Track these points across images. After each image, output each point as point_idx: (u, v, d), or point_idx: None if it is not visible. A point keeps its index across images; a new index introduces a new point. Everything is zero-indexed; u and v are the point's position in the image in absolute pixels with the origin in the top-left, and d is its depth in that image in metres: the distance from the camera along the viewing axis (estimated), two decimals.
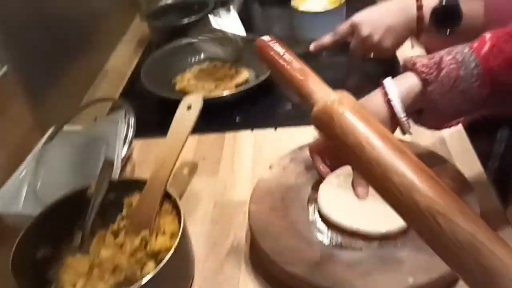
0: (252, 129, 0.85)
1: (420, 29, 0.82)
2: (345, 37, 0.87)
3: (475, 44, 0.55)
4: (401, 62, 0.94)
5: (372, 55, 0.89)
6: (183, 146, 0.63)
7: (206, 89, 0.95)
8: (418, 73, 0.55)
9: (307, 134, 0.76)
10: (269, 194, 0.65)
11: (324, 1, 1.03)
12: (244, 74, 0.99)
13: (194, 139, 0.83)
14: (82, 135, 0.77)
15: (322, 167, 0.56)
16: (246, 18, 1.28)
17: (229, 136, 0.84)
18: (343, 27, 0.86)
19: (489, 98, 0.54)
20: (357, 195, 0.54)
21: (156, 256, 0.57)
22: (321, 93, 0.41)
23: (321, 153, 0.57)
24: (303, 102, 0.43)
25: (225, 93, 0.89)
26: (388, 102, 0.55)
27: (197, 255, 0.62)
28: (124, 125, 0.72)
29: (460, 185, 0.61)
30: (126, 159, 0.80)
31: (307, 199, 0.65)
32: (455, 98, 0.54)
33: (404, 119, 0.55)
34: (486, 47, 0.54)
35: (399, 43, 0.85)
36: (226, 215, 0.68)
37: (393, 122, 0.56)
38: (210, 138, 0.84)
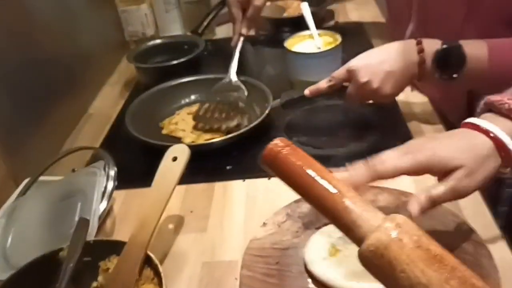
0: (244, 179, 0.78)
1: (422, 73, 0.77)
2: (342, 82, 0.82)
3: None
4: (401, 108, 0.90)
5: (370, 101, 0.84)
6: (166, 204, 0.57)
7: (195, 134, 0.90)
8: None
9: None
10: (263, 258, 0.58)
11: (319, 42, 0.99)
12: (236, 119, 0.93)
13: (181, 190, 0.77)
14: (58, 188, 0.70)
15: None
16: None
17: (219, 186, 0.78)
18: (340, 72, 0.81)
19: None
20: None
21: None
22: (370, 221, 0.37)
23: None
24: (344, 232, 0.38)
25: (215, 139, 0.83)
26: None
27: None
28: (103, 178, 0.66)
29: (475, 247, 0.55)
30: (106, 213, 0.73)
31: (304, 263, 0.58)
32: None
33: None
34: None
35: (399, 88, 0.80)
36: (215, 278, 0.61)
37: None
38: (199, 188, 0.78)
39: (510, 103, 0.53)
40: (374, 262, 0.36)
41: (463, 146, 0.52)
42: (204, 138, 0.88)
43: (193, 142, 0.87)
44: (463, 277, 0.34)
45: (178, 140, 0.89)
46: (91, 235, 0.61)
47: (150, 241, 0.55)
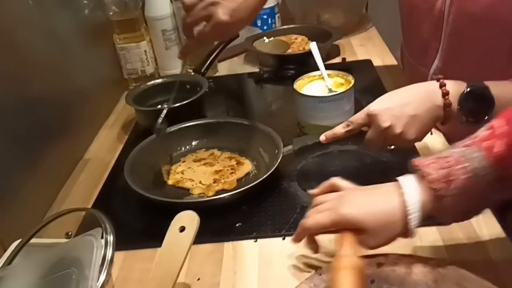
0: (255, 239, 0.71)
1: (448, 117, 0.72)
2: (361, 127, 0.76)
3: (484, 144, 0.52)
4: (419, 151, 0.84)
5: (392, 146, 0.78)
6: (175, 283, 0.50)
7: (204, 184, 0.83)
8: (429, 187, 0.54)
9: (324, 243, 0.63)
10: None
11: (330, 83, 0.93)
12: (247, 166, 0.87)
13: None
14: (50, 257, 0.62)
15: None
16: (240, 99, 1.20)
17: (228, 247, 0.71)
18: (359, 116, 0.75)
19: (501, 194, 0.54)
20: None
21: None
22: None
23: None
24: None
25: (224, 194, 0.76)
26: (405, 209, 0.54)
27: None
28: (101, 247, 0.58)
29: None
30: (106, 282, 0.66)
31: None
32: (467, 203, 0.54)
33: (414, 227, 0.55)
34: (498, 148, 0.51)
35: (423, 133, 0.74)
36: None
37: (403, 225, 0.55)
38: (206, 249, 0.70)
39: (424, 168, 0.54)
40: None
41: (373, 209, 0.56)
42: (215, 189, 0.81)
43: (202, 193, 0.81)
44: None
45: (185, 191, 0.83)
46: None
47: None
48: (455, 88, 0.72)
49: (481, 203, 0.55)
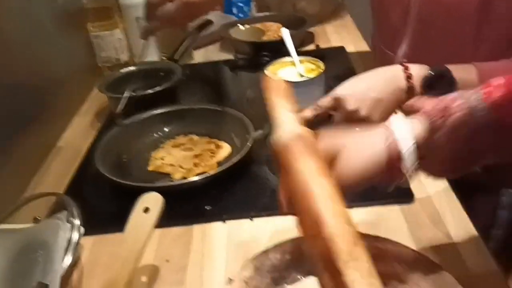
0: (224, 220, 0.72)
1: (411, 98, 0.74)
2: (328, 110, 0.77)
3: (485, 90, 0.49)
4: None
5: (357, 129, 0.79)
6: (137, 263, 0.51)
7: (185, 168, 0.84)
8: (425, 119, 0.50)
9: (289, 226, 0.64)
10: None
11: (301, 69, 0.94)
12: (226, 149, 0.88)
13: (155, 235, 0.69)
14: (18, 240, 0.63)
15: None
16: (216, 86, 1.20)
17: (197, 229, 0.72)
18: (326, 100, 0.77)
19: (496, 149, 0.50)
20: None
21: None
22: None
23: None
24: None
25: (194, 178, 0.77)
26: (393, 147, 0.49)
27: None
28: (67, 230, 0.59)
29: None
30: (73, 264, 0.66)
31: None
32: (460, 146, 0.49)
33: (407, 167, 0.49)
34: (497, 94, 0.48)
35: (388, 115, 0.75)
36: None
37: (390, 170, 0.49)
38: (175, 232, 0.71)
39: (421, 104, 0.51)
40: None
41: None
42: (196, 172, 0.82)
43: (184, 177, 0.81)
44: None
45: (166, 176, 0.83)
46: None
47: None
48: (419, 71, 0.73)
49: (472, 154, 0.50)
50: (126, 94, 0.90)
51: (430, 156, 0.50)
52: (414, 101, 0.53)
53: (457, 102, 0.49)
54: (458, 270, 0.55)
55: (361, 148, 0.51)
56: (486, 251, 0.63)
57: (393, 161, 0.49)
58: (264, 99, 0.57)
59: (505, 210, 0.92)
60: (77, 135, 1.03)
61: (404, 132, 0.49)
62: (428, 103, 0.51)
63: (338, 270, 0.38)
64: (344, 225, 0.41)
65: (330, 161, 0.50)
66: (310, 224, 0.42)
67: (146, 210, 0.54)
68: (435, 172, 0.53)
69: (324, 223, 0.41)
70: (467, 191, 0.76)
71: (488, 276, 0.59)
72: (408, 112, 0.53)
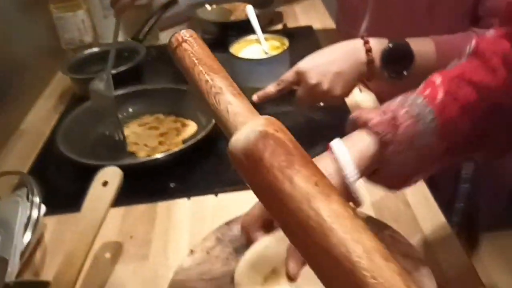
0: (189, 197, 0.72)
1: (371, 73, 0.75)
2: (291, 85, 0.78)
3: (427, 92, 0.49)
4: (350, 109, 0.87)
5: (321, 104, 0.80)
6: (95, 236, 0.50)
7: (149, 147, 0.83)
8: (374, 134, 0.48)
9: (254, 200, 0.65)
10: None
11: (266, 46, 0.94)
12: (192, 127, 0.88)
13: (118, 213, 0.70)
14: None
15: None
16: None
17: (162, 206, 0.72)
18: (289, 75, 0.77)
19: (446, 152, 0.49)
20: (287, 269, 0.47)
21: None
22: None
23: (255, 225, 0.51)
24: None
25: (158, 155, 0.77)
26: (339, 170, 0.47)
27: None
28: (26, 207, 0.58)
29: (413, 263, 0.51)
30: (36, 244, 0.66)
31: None
32: (412, 156, 0.49)
33: (356, 192, 0.48)
34: (440, 95, 0.48)
35: (349, 89, 0.77)
36: None
37: (344, 190, 0.47)
38: (139, 210, 0.71)
39: (367, 116, 0.49)
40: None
41: None
42: (160, 150, 0.82)
43: (148, 155, 0.81)
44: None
45: (131, 155, 0.83)
46: (12, 275, 0.53)
47: (77, 280, 0.48)
48: (378, 44, 0.74)
49: (422, 165, 0.50)
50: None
51: (383, 169, 0.50)
52: (359, 114, 0.51)
53: (402, 111, 0.48)
54: (417, 238, 0.57)
55: None
56: (442, 217, 0.64)
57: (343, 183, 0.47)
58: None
59: (466, 183, 0.95)
60: (40, 118, 1.01)
61: (347, 159, 0.47)
62: (374, 115, 0.49)
63: None
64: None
65: None
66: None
67: (105, 184, 0.54)
68: (392, 184, 0.52)
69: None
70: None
71: (444, 239, 0.61)
72: (354, 125, 0.51)
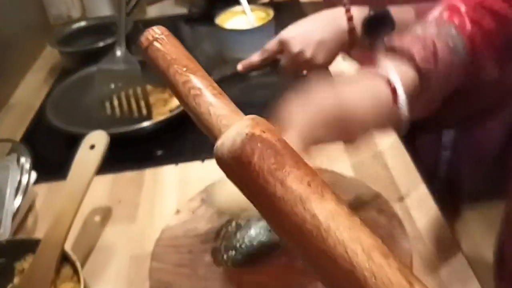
0: (176, 164, 0.75)
1: (353, 41, 0.76)
2: (275, 54, 0.79)
3: (456, 21, 0.50)
4: (333, 76, 0.89)
5: (304, 72, 0.82)
6: (84, 196, 0.53)
7: None
8: (419, 68, 0.48)
9: None
10: (175, 247, 0.55)
11: (251, 17, 0.95)
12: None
13: (108, 179, 0.72)
14: None
15: None
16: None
17: (149, 173, 0.74)
18: (272, 44, 0.79)
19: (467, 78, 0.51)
20: None
21: None
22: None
23: None
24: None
25: (145, 124, 0.79)
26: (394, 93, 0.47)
27: None
28: (17, 171, 0.60)
29: (387, 217, 0.54)
30: (28, 210, 0.68)
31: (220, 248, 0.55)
32: (446, 85, 0.50)
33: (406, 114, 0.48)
34: (468, 26, 0.49)
35: (331, 57, 0.79)
36: (144, 272, 0.57)
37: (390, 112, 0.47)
38: (127, 177, 0.73)
39: (411, 47, 0.49)
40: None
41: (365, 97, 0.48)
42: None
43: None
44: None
45: (120, 124, 0.83)
46: (4, 235, 0.56)
47: (66, 237, 0.50)
48: (359, 13, 0.76)
49: (450, 87, 0.51)
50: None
51: (421, 98, 0.50)
52: (402, 43, 0.50)
53: (440, 43, 0.48)
54: (394, 197, 0.60)
55: (362, 97, 0.47)
56: (419, 178, 0.67)
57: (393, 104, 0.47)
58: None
59: (447, 150, 0.98)
60: (30, 92, 1.02)
61: (397, 77, 0.48)
62: (417, 48, 0.49)
63: None
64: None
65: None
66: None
67: (92, 147, 0.56)
68: (419, 112, 0.51)
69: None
70: (411, 132, 0.80)
71: (420, 199, 0.63)
72: (392, 51, 0.51)
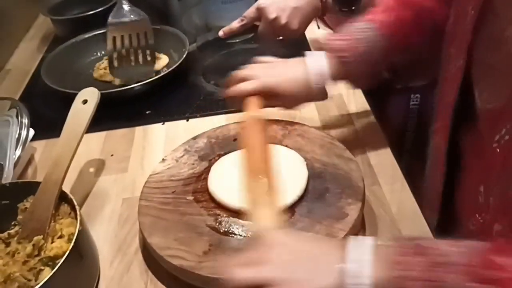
0: (163, 122, 0.81)
1: (325, 8, 0.82)
2: (253, 21, 0.86)
3: (378, 17, 0.63)
4: (310, 42, 0.95)
5: (281, 37, 0.88)
6: (79, 143, 0.59)
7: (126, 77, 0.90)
8: (338, 57, 0.62)
9: (221, 123, 0.74)
10: (160, 189, 0.62)
11: None
12: (164, 60, 0.95)
13: (101, 136, 0.79)
14: None
15: None
16: (160, 6, 1.25)
17: (139, 130, 0.80)
18: (250, 11, 0.85)
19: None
20: None
21: (54, 261, 0.53)
22: None
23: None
24: None
25: (134, 84, 0.85)
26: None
27: (103, 255, 0.59)
28: (17, 126, 0.66)
29: (345, 160, 0.61)
30: (27, 163, 0.75)
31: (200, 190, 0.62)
32: (366, 66, 0.63)
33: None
34: (390, 18, 0.62)
35: (306, 23, 0.85)
36: (135, 213, 0.64)
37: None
38: (119, 133, 0.80)
39: (332, 43, 0.62)
40: None
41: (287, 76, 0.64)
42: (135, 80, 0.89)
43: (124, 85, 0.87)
44: None
45: (109, 84, 0.90)
46: (7, 179, 0.63)
47: (64, 178, 0.57)
48: None
49: (376, 68, 0.66)
50: None
51: (347, 78, 0.65)
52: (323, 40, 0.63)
53: (360, 36, 0.62)
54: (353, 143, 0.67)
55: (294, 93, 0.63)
56: (382, 135, 0.74)
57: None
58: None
59: (414, 114, 1.04)
60: (24, 58, 1.08)
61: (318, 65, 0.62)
62: (339, 42, 0.63)
63: None
64: None
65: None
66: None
67: (85, 102, 0.62)
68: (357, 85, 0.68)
69: None
70: (379, 97, 0.86)
71: (377, 149, 0.70)
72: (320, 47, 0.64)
